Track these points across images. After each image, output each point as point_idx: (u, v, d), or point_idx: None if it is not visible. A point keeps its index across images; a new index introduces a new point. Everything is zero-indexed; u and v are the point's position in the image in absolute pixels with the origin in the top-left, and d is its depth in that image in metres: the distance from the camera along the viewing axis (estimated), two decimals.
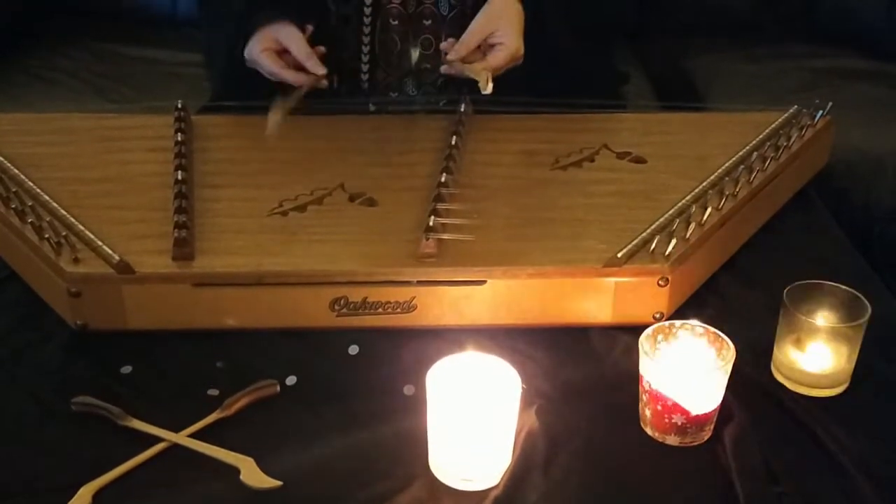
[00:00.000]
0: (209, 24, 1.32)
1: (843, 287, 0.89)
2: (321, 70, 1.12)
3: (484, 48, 1.14)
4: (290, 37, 1.13)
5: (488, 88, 1.05)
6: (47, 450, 0.81)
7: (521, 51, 1.14)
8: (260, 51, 1.13)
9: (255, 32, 1.14)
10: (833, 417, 0.84)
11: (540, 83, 1.19)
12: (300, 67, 1.13)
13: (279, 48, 1.13)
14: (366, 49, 1.23)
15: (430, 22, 1.22)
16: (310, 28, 1.17)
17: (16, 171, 1.05)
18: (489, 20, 1.14)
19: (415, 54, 1.16)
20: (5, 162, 1.07)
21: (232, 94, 1.19)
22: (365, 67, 1.24)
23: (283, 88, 1.13)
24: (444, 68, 1.15)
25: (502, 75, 1.14)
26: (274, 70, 1.12)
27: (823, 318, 0.88)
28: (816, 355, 0.87)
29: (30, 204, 0.98)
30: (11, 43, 1.84)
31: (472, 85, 1.11)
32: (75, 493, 0.75)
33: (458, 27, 1.21)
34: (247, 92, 1.17)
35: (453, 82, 1.23)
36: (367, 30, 1.22)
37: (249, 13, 1.15)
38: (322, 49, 1.16)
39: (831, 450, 0.81)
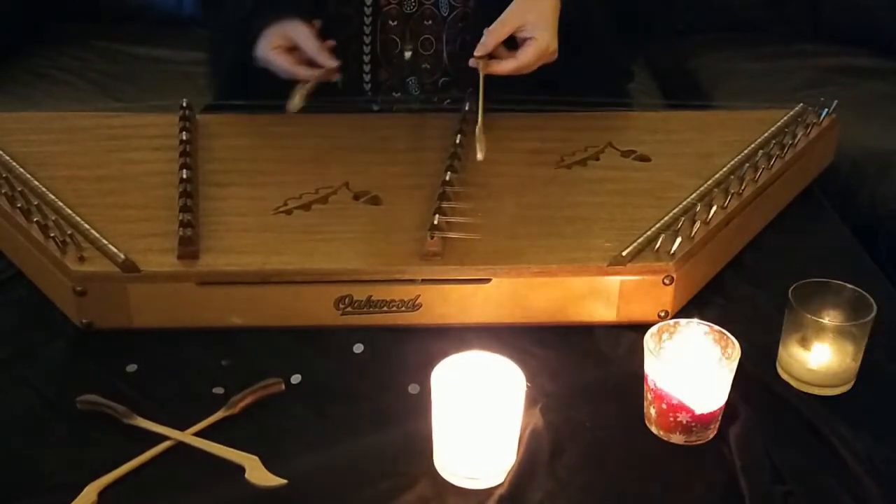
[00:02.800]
0: (215, 27, 1.32)
1: (849, 286, 0.89)
2: (333, 62, 1.12)
3: (517, 41, 1.10)
4: (299, 32, 1.13)
5: (479, 156, 1.01)
6: (53, 448, 0.81)
7: (554, 46, 1.08)
8: (271, 48, 1.13)
9: (264, 31, 1.14)
10: (838, 416, 0.84)
11: (559, 80, 1.18)
12: (311, 63, 1.13)
13: (289, 45, 1.13)
14: (367, 49, 1.23)
15: (430, 23, 1.22)
16: (317, 23, 1.17)
17: (22, 170, 1.05)
18: (520, 12, 1.09)
19: (407, 54, 1.15)
20: (11, 161, 1.07)
21: (236, 95, 1.20)
22: (367, 68, 1.24)
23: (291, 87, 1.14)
24: (471, 62, 1.10)
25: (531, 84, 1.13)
26: (286, 67, 1.13)
27: (829, 316, 0.88)
28: (822, 354, 0.87)
29: (35, 203, 0.99)
30: (18, 43, 1.85)
31: (476, 84, 1.11)
32: (81, 491, 0.75)
33: (458, 28, 1.21)
34: (252, 92, 1.17)
35: (456, 82, 1.23)
36: (367, 30, 1.22)
37: (258, 13, 1.15)
38: (331, 42, 1.16)
39: (836, 448, 0.81)
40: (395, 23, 1.22)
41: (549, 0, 1.10)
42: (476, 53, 1.09)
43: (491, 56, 1.09)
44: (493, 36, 1.08)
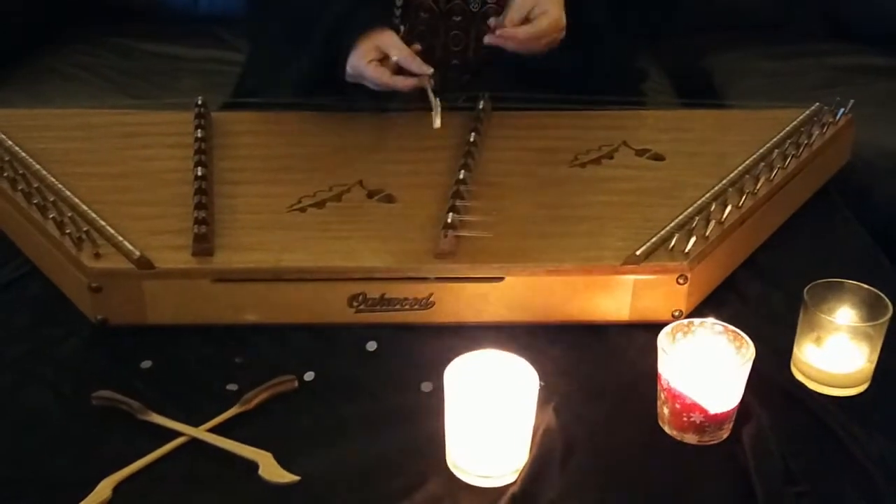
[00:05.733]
0: (274, 38, 1.27)
1: (864, 286, 0.88)
2: (427, 69, 1.11)
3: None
4: (390, 42, 1.12)
5: (436, 123, 1.07)
6: (68, 443, 0.81)
7: (563, 22, 1.13)
8: (366, 63, 1.11)
9: (356, 45, 1.12)
10: (853, 417, 0.84)
11: (577, 79, 1.19)
12: (402, 70, 1.12)
13: (381, 56, 1.12)
14: None
15: (459, 18, 1.23)
16: (402, 29, 1.17)
17: (38, 166, 1.06)
18: None
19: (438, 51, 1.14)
20: (28, 157, 1.08)
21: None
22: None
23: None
24: (487, 38, 1.14)
25: (534, 72, 1.15)
26: (384, 81, 1.11)
27: (844, 316, 0.88)
28: (837, 354, 0.86)
29: (51, 199, 0.99)
30: (34, 40, 1.85)
31: (494, 84, 1.11)
32: (95, 486, 0.76)
33: (486, 24, 1.21)
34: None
35: (478, 80, 1.23)
36: (398, 28, 1.22)
37: (343, 28, 1.14)
38: (418, 47, 1.15)
39: (851, 449, 0.80)
40: (427, 15, 1.22)
41: None
42: (495, 30, 1.13)
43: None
44: (510, 20, 1.12)
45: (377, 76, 1.11)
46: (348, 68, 1.13)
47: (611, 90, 1.19)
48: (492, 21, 1.15)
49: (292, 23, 1.21)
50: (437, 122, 1.07)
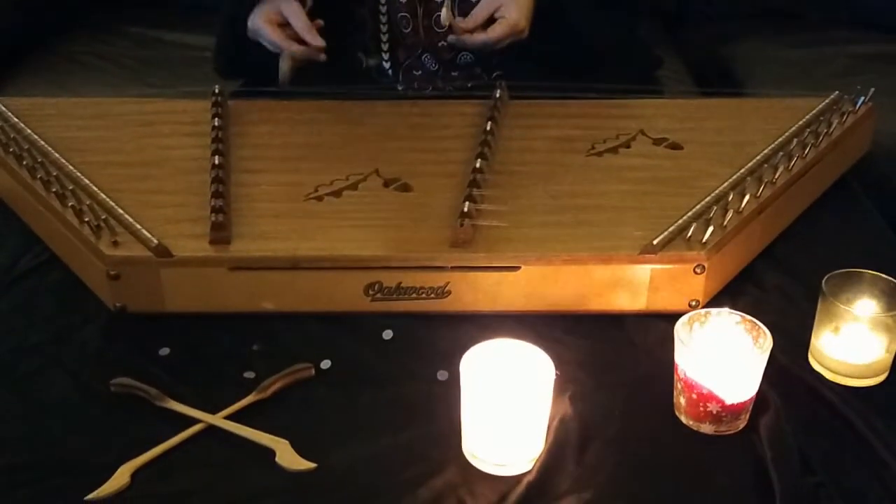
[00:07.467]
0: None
1: (884, 276, 0.88)
2: (319, 42, 1.15)
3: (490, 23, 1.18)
4: (290, 9, 1.17)
5: (443, 18, 1.17)
6: (87, 430, 0.82)
7: (522, 24, 1.17)
8: (262, 22, 1.17)
9: (258, 5, 1.18)
10: (871, 407, 0.83)
11: (565, 61, 1.20)
12: (300, 41, 1.16)
13: (280, 20, 1.17)
14: (384, 28, 1.25)
15: None
16: (309, 2, 1.20)
17: (57, 154, 1.07)
18: None
19: (444, 14, 1.18)
20: (46, 146, 1.08)
21: (232, 73, 1.26)
22: (385, 47, 1.26)
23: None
24: (450, 38, 1.19)
25: (534, 60, 1.18)
26: (274, 39, 1.16)
27: (862, 306, 0.87)
28: (855, 345, 0.86)
29: (70, 188, 1.00)
30: (53, 29, 1.87)
31: (495, 65, 1.11)
32: (114, 471, 0.77)
33: (470, 2, 1.22)
34: (244, 70, 1.25)
35: (478, 61, 1.24)
36: (383, 9, 1.23)
37: None
38: (320, 22, 1.18)
39: (868, 440, 0.80)
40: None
41: None
42: (456, 27, 1.18)
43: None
44: (472, 19, 1.18)
45: (269, 34, 1.16)
46: (249, 24, 1.18)
47: (612, 74, 1.19)
48: (458, 20, 1.19)
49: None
50: (282, 77, 1.15)
